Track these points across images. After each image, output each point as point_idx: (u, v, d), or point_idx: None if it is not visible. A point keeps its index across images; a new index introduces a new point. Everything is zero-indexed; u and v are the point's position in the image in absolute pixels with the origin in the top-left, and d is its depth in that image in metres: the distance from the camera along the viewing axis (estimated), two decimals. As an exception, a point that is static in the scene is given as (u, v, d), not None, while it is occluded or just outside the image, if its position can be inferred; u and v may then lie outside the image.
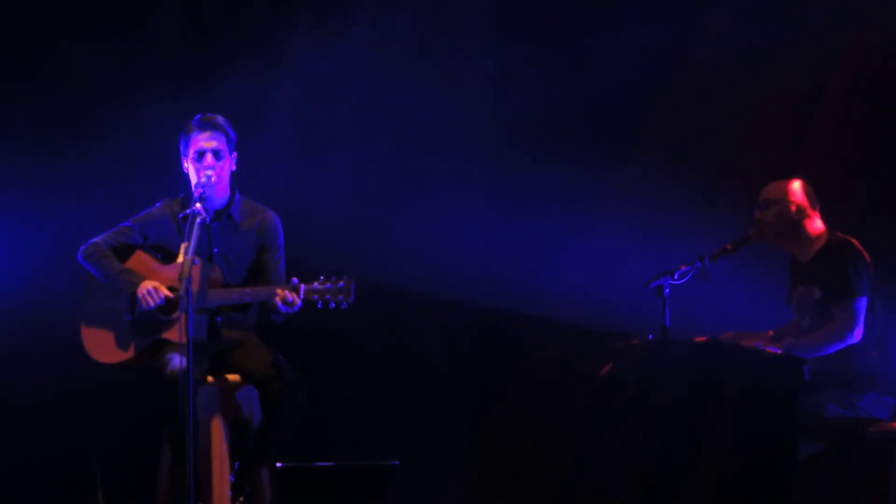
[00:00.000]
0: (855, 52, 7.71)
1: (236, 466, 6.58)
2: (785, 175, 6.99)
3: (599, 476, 6.92)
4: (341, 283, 6.30)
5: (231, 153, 6.65)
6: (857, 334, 6.68)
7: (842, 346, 6.69)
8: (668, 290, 6.50)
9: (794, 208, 6.87)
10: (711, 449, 6.37)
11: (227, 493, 6.55)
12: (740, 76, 7.90)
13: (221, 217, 6.69)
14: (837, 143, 7.73)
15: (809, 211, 6.89)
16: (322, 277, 6.33)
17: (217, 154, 6.59)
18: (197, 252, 6.34)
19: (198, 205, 6.17)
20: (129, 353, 6.56)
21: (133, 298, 6.52)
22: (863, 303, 6.71)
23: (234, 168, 6.69)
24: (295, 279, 6.35)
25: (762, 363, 6.48)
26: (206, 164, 6.56)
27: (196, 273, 6.28)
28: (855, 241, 6.85)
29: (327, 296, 6.30)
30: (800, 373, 6.40)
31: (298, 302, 6.32)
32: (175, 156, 6.68)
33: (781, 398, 6.39)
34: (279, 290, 6.33)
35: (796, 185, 6.91)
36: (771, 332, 6.97)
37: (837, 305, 6.72)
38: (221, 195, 6.68)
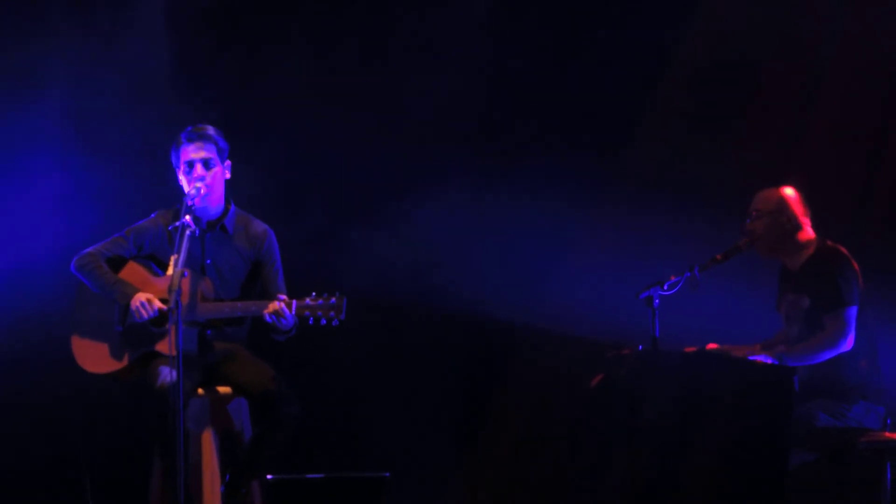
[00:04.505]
0: (846, 60, 7.72)
1: (227, 479, 6.58)
2: (775, 183, 6.99)
3: (592, 486, 6.91)
4: (333, 299, 6.30)
5: (223, 162, 6.66)
6: (849, 342, 6.68)
7: (833, 354, 6.68)
8: (657, 301, 6.50)
9: (784, 218, 6.86)
10: (703, 459, 6.38)
11: (218, 505, 6.55)
12: (735, 81, 7.91)
13: (215, 228, 6.69)
14: (828, 151, 7.74)
15: (800, 220, 6.88)
16: (314, 294, 6.33)
17: (207, 163, 6.59)
18: (189, 264, 6.35)
19: (187, 217, 6.17)
20: (120, 365, 6.55)
21: (125, 309, 6.51)
22: (853, 311, 6.71)
23: (228, 177, 6.69)
24: (283, 296, 6.36)
25: (752, 373, 6.49)
26: (196, 174, 6.57)
27: (186, 285, 6.28)
28: (844, 250, 6.84)
29: (319, 312, 6.30)
30: (790, 383, 6.41)
31: (288, 314, 6.31)
32: (171, 168, 6.70)
33: (772, 408, 6.40)
34: (270, 305, 6.34)
35: (787, 195, 6.89)
36: (758, 346, 6.97)
37: (828, 315, 6.72)
38: (215, 205, 6.68)
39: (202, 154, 6.60)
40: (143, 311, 6.44)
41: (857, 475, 6.73)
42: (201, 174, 6.57)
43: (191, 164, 6.60)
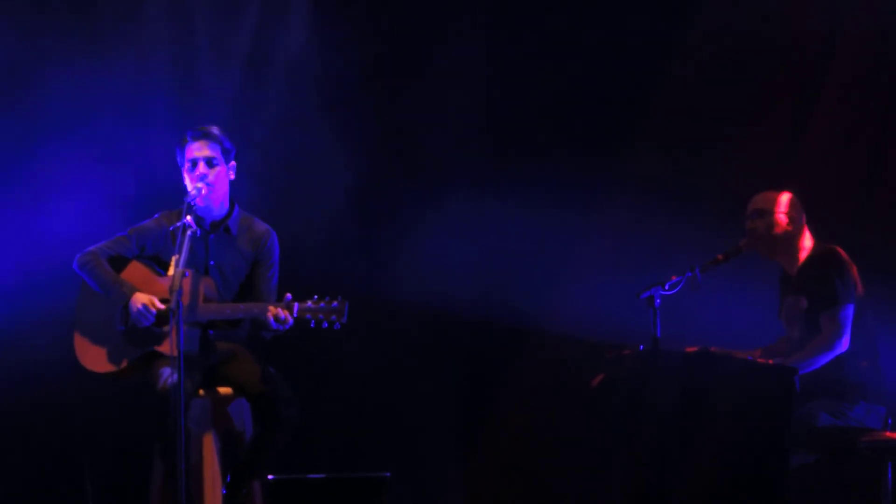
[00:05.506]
0: (847, 59, 7.73)
1: (228, 479, 6.58)
2: (775, 185, 7.01)
3: (592, 487, 6.92)
4: (335, 303, 6.31)
5: (227, 163, 6.65)
6: (845, 343, 6.69)
7: (831, 356, 6.68)
8: (658, 301, 6.49)
9: (785, 218, 6.89)
10: (704, 459, 6.38)
11: (219, 506, 6.55)
12: (735, 82, 7.91)
13: (218, 229, 6.68)
14: (828, 152, 7.75)
15: (800, 222, 6.91)
16: (316, 297, 6.33)
17: (210, 162, 6.59)
18: (192, 264, 6.36)
19: (188, 217, 6.17)
20: (122, 364, 6.54)
21: (127, 309, 6.51)
22: (849, 311, 6.72)
23: (232, 177, 6.69)
24: (289, 295, 6.36)
25: (753, 373, 6.49)
26: (198, 172, 6.57)
27: (187, 286, 6.27)
28: (840, 250, 6.85)
29: (320, 315, 6.30)
30: (791, 383, 6.41)
31: (290, 320, 6.33)
32: (175, 167, 6.70)
33: (773, 408, 6.40)
34: (272, 308, 6.34)
35: (786, 197, 6.92)
36: (759, 351, 6.97)
37: (824, 315, 6.72)
38: (219, 205, 6.67)
39: (206, 152, 6.60)
40: (143, 319, 6.44)
41: (857, 475, 6.73)
42: (204, 172, 6.57)
43: (194, 163, 6.60)
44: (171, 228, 6.58)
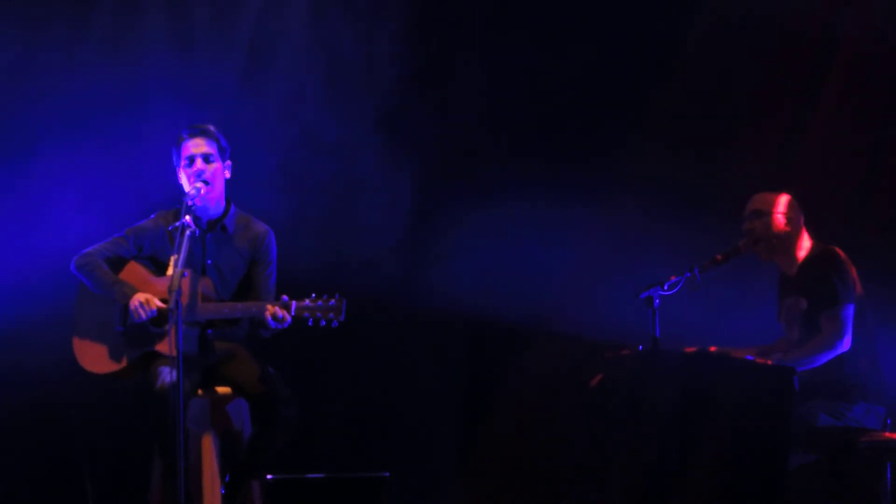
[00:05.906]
0: (847, 60, 7.72)
1: (227, 479, 6.58)
2: (774, 186, 7.01)
3: (592, 487, 6.91)
4: (332, 301, 6.31)
5: (224, 161, 6.66)
6: (846, 343, 6.69)
7: (831, 355, 6.68)
8: (658, 301, 6.49)
9: (783, 219, 6.89)
10: (703, 460, 6.38)
11: (218, 505, 6.56)
12: (735, 81, 7.91)
13: (215, 227, 6.68)
14: (828, 152, 7.75)
15: (798, 223, 6.90)
16: (314, 295, 6.33)
17: (207, 158, 6.59)
18: (190, 264, 6.36)
19: (187, 217, 6.17)
20: (121, 365, 6.55)
21: (125, 309, 6.51)
22: (850, 311, 6.71)
23: (228, 176, 6.69)
24: (285, 297, 6.36)
25: (753, 373, 6.49)
26: (196, 167, 6.57)
27: (186, 286, 6.28)
28: (839, 251, 6.85)
29: (318, 313, 6.30)
30: (790, 383, 6.41)
31: (288, 319, 6.33)
32: (172, 168, 6.70)
33: (772, 408, 6.40)
34: (270, 307, 6.34)
35: (784, 198, 6.92)
36: (755, 349, 6.97)
37: (824, 315, 6.72)
38: (215, 204, 6.67)
39: (203, 149, 6.61)
40: (142, 312, 6.44)
41: (857, 475, 6.72)
42: (201, 168, 6.57)
43: (191, 159, 6.60)
44: (170, 228, 6.59)
